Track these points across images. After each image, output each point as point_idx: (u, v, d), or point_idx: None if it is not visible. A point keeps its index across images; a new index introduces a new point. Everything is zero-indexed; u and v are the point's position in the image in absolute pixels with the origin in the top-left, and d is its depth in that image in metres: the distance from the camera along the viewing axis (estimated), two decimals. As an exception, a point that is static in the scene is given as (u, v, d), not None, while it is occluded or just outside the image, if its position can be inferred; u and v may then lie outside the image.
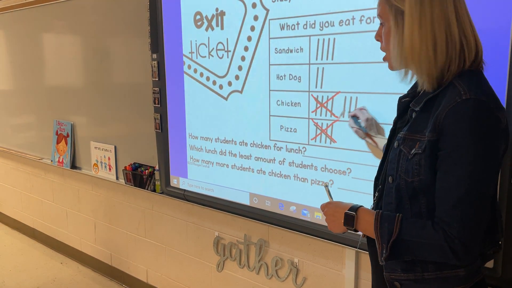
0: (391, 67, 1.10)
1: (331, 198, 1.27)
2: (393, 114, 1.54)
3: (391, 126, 1.20)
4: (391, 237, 1.01)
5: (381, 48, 1.11)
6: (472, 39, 1.00)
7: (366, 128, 1.54)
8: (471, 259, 0.98)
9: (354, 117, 1.59)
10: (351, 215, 1.10)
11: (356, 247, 1.73)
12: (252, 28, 1.90)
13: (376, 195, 1.19)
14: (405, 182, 1.03)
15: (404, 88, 1.51)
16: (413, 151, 1.01)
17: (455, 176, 0.95)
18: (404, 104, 1.15)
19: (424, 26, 0.98)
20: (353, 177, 1.68)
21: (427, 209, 1.02)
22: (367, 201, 1.64)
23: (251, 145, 2.00)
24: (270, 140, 1.92)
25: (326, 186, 1.30)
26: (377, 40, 1.11)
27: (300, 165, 1.84)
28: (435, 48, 0.98)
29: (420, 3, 0.98)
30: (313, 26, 1.70)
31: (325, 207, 1.20)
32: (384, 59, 1.11)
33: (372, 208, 1.19)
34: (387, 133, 1.54)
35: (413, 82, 1.16)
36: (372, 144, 1.55)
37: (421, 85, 1.05)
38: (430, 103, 1.02)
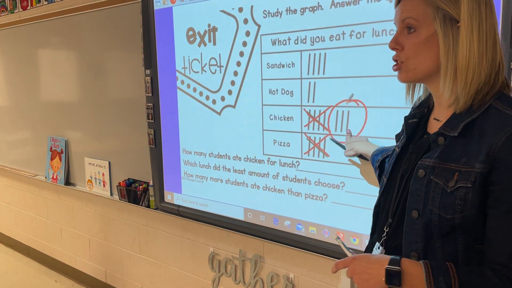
0: (407, 79, 0.96)
1: (349, 252, 1.05)
2: (385, 127, 1.55)
3: (395, 150, 1.07)
4: None
5: (395, 57, 0.96)
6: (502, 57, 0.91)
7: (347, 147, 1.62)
8: None
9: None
10: (396, 271, 0.90)
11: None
12: (244, 44, 1.91)
13: (385, 230, 1.02)
14: (439, 218, 0.89)
15: (393, 101, 1.52)
16: (452, 183, 0.88)
17: None
18: (412, 126, 1.03)
19: (481, 39, 0.87)
20: (347, 191, 1.67)
21: (464, 248, 0.89)
22: (361, 214, 1.64)
23: (245, 159, 1.99)
24: (263, 154, 1.92)
25: (338, 238, 1.10)
26: (394, 48, 0.95)
27: (294, 179, 1.83)
28: (485, 65, 0.88)
29: (479, 12, 0.87)
30: (304, 41, 1.72)
31: (350, 264, 0.96)
32: (397, 69, 0.96)
33: (382, 247, 1.02)
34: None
35: (415, 99, 1.05)
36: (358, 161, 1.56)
37: (450, 103, 0.93)
38: (468, 128, 0.90)
